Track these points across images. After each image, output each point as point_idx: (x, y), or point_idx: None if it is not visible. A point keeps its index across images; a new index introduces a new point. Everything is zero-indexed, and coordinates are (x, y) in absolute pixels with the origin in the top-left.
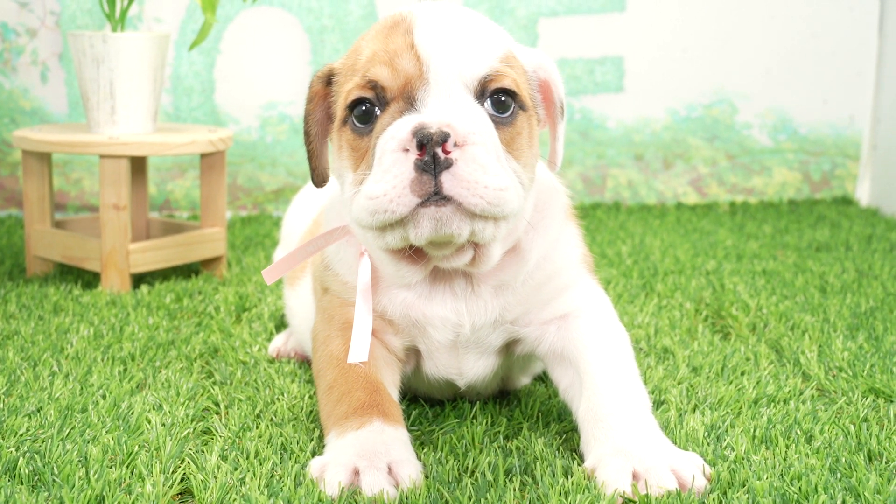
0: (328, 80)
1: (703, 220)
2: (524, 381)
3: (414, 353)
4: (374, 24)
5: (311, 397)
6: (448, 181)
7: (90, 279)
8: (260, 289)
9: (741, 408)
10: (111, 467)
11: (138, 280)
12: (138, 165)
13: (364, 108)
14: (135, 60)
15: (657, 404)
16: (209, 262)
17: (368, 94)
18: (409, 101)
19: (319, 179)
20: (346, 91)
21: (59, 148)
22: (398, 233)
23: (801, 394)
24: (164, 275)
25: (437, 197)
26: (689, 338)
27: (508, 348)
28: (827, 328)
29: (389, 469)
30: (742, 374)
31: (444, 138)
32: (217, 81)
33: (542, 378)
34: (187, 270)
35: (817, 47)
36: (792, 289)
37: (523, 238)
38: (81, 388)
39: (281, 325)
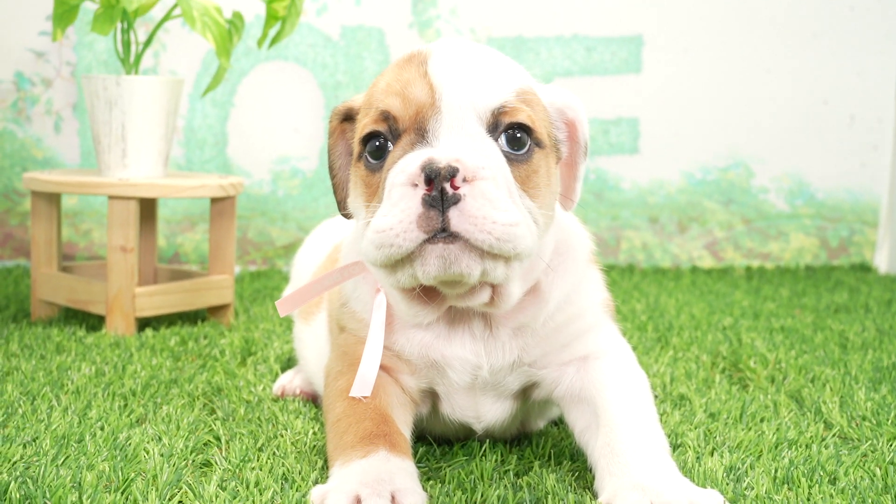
0: (345, 116)
1: (719, 283)
2: (540, 424)
3: (430, 396)
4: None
5: (315, 433)
6: (455, 217)
7: (95, 323)
8: (267, 335)
9: (761, 451)
10: (106, 492)
11: (143, 325)
12: (148, 212)
13: (377, 143)
14: (147, 104)
15: (674, 447)
16: (216, 310)
17: (381, 128)
18: (420, 132)
19: (347, 212)
20: (362, 126)
21: (68, 188)
22: (407, 271)
23: (824, 440)
24: (170, 321)
25: (444, 234)
26: (706, 387)
27: (525, 393)
28: (849, 380)
29: (393, 498)
30: (762, 420)
31: (452, 173)
32: (230, 134)
33: (556, 421)
34: (194, 317)
35: (834, 112)
36: (811, 344)
37: (543, 279)
38: (80, 421)
39: (287, 367)
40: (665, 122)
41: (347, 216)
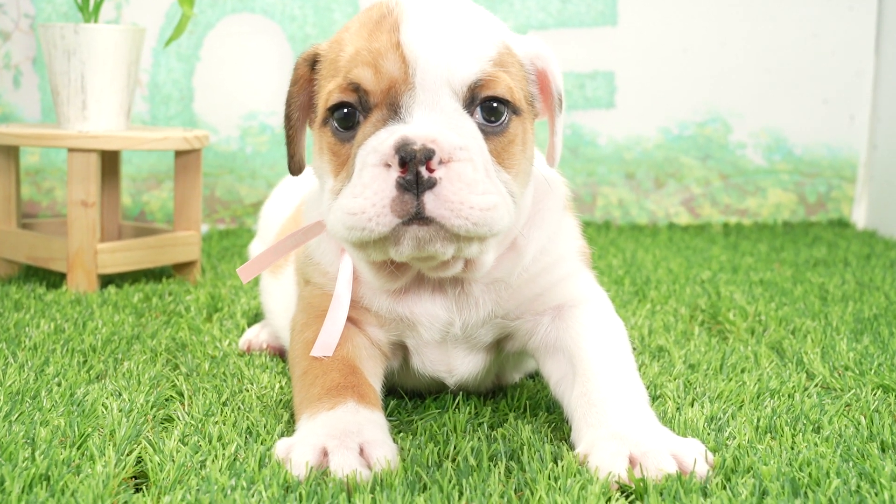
0: (313, 62)
1: (696, 239)
2: (516, 377)
3: (401, 349)
4: (359, 14)
5: (282, 387)
6: (431, 202)
7: (56, 280)
8: (234, 291)
9: (742, 401)
10: (62, 448)
11: (106, 282)
12: (111, 167)
13: (346, 111)
14: (108, 53)
15: (653, 398)
16: (182, 267)
17: (350, 98)
18: (392, 108)
19: (296, 167)
20: (328, 91)
21: (26, 141)
22: (378, 249)
23: (806, 389)
24: (135, 278)
25: (418, 218)
26: (685, 339)
27: (499, 345)
28: (830, 331)
29: (361, 450)
30: (742, 371)
31: (428, 156)
32: (196, 89)
33: (532, 374)
34: (159, 274)
35: (813, 66)
36: (791, 297)
37: (520, 236)
38: (36, 377)
39: (255, 322)
40: (642, 77)
41: (296, 173)
